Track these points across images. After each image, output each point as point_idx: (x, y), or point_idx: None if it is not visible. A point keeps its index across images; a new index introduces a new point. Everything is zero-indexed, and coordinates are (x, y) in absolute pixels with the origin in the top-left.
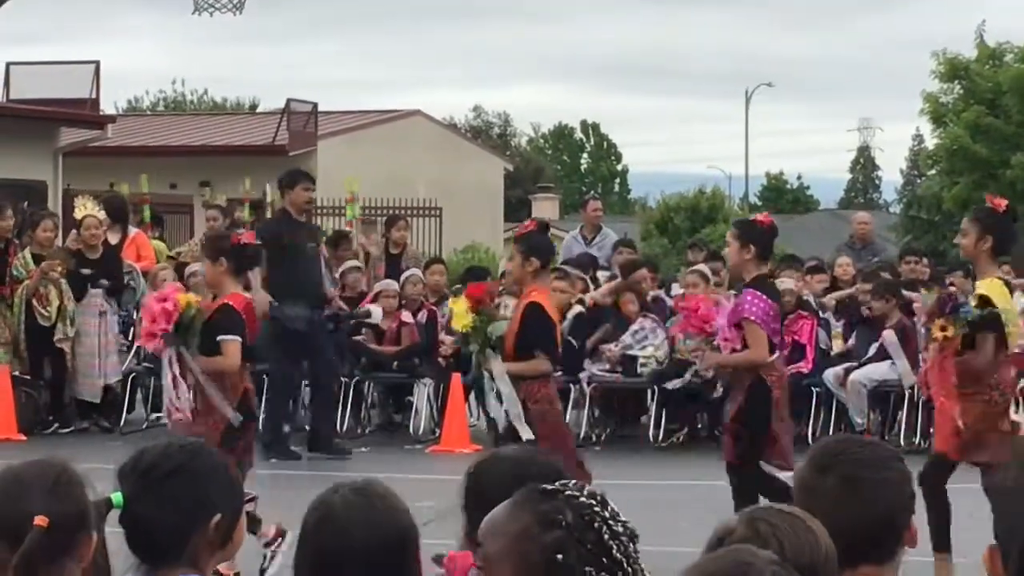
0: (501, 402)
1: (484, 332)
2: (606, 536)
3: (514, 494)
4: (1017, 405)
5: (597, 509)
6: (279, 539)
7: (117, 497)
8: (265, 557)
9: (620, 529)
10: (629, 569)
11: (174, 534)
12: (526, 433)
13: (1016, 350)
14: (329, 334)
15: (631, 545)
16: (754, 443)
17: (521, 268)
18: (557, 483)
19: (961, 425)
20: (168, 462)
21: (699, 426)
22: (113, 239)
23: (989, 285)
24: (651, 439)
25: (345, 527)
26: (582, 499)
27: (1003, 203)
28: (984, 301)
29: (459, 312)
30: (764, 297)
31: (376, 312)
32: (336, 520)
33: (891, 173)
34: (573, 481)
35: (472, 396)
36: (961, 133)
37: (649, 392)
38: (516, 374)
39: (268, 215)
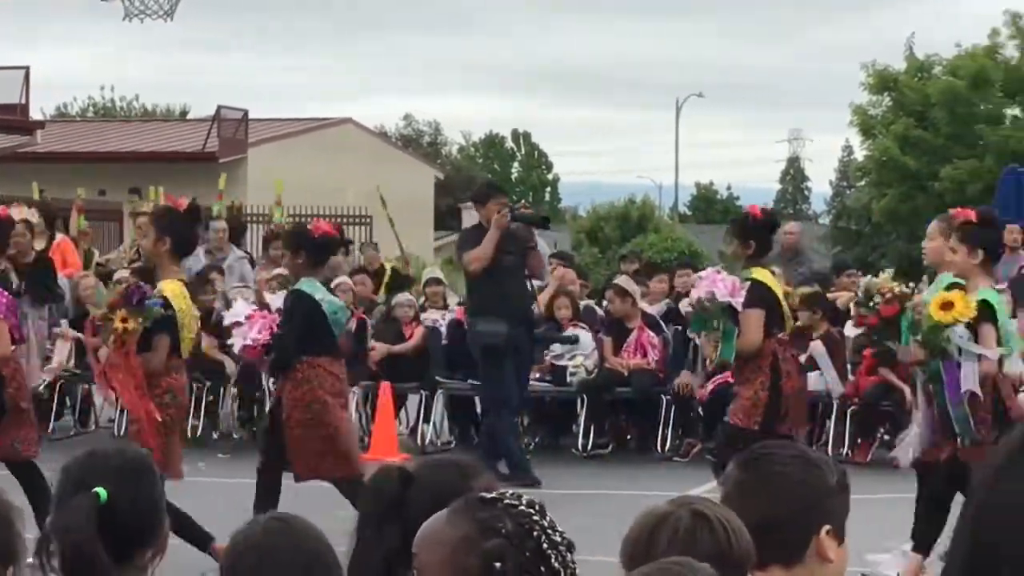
0: None
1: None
2: (544, 545)
3: (451, 504)
4: None
5: (536, 518)
6: None
7: (103, 492)
8: None
9: (558, 538)
10: None
11: (145, 532)
12: None
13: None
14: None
15: (568, 555)
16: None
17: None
18: (496, 492)
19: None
20: (143, 463)
21: (628, 436)
22: (39, 245)
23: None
24: (580, 448)
25: (268, 554)
26: (521, 508)
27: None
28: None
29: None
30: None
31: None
32: (259, 548)
33: (820, 184)
34: (512, 491)
35: (406, 404)
36: (890, 145)
37: (579, 401)
38: None
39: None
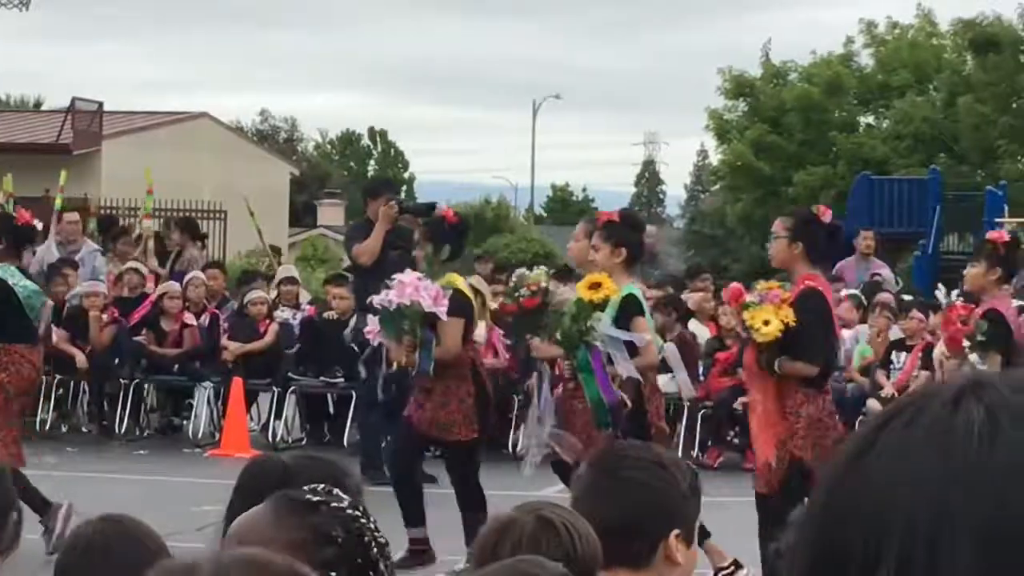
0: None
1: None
2: (374, 550)
3: (268, 499)
4: None
5: (364, 522)
6: None
7: None
8: None
9: (383, 540)
10: None
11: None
12: None
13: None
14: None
15: (390, 559)
16: None
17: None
18: (320, 491)
19: None
20: None
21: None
22: None
23: None
24: None
25: (101, 553)
26: (349, 511)
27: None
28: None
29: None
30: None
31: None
32: (92, 547)
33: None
34: (331, 489)
35: (258, 400)
36: (745, 150)
37: None
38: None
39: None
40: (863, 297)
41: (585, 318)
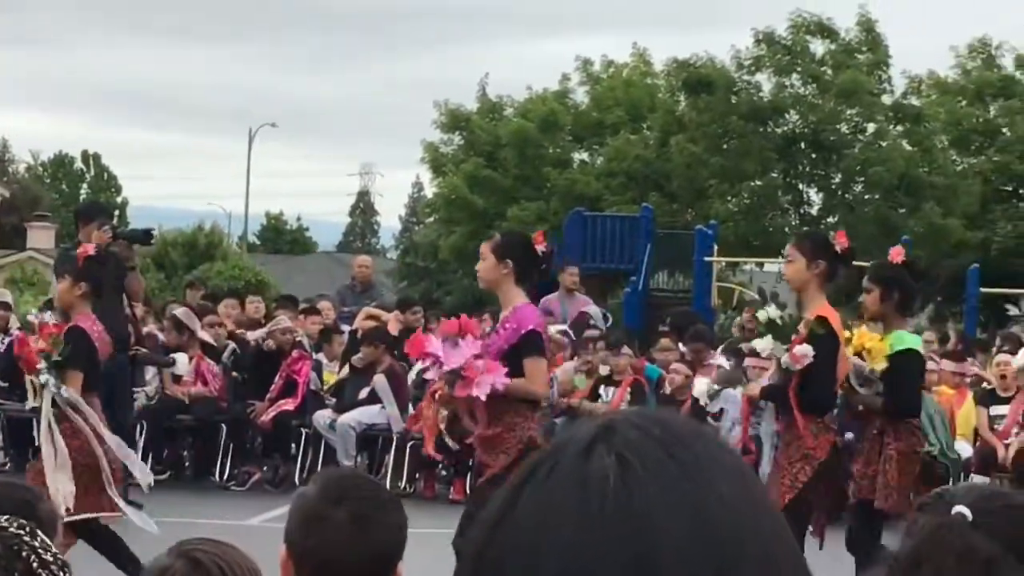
0: None
1: None
2: (35, 565)
3: None
4: None
5: (26, 539)
6: None
7: None
8: None
9: (49, 558)
10: None
11: None
12: None
13: None
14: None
15: (62, 574)
16: None
17: None
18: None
19: None
20: None
21: (186, 465)
22: None
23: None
24: None
25: None
26: (11, 530)
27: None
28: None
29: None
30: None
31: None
32: None
33: (390, 219)
34: (6, 517)
35: None
36: (460, 183)
37: (138, 427)
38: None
39: None
40: (571, 332)
41: None
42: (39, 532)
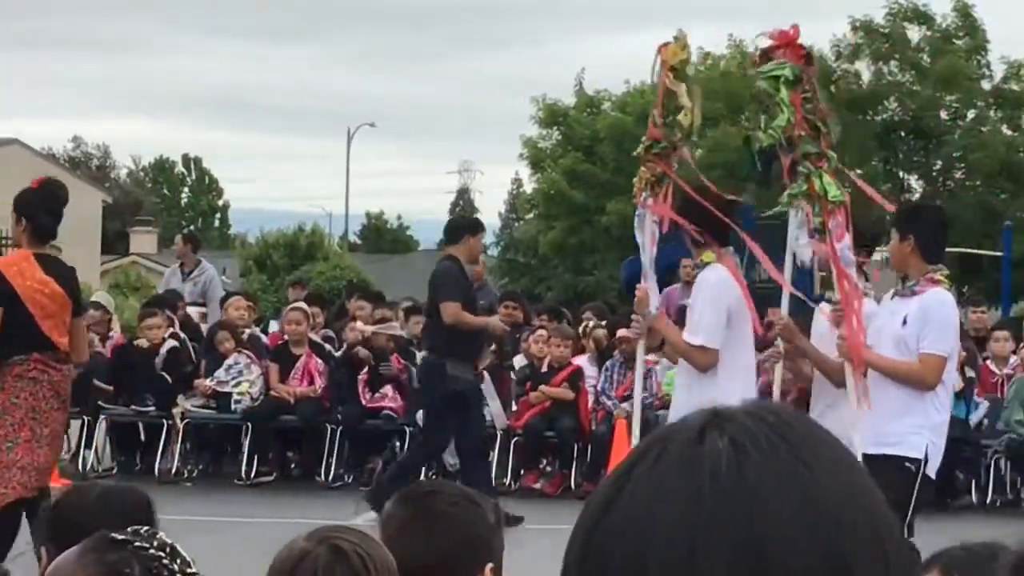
0: None
1: None
2: None
3: (84, 540)
4: None
5: (166, 562)
6: None
7: None
8: None
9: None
10: None
11: None
12: None
13: None
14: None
15: None
16: None
17: None
18: (129, 530)
19: None
20: None
21: (292, 466)
22: None
23: None
24: (243, 476)
25: None
26: (151, 551)
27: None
28: None
29: None
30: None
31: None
32: None
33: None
34: (146, 528)
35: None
36: (558, 178)
37: (243, 428)
38: None
39: None
40: None
41: None
42: (179, 549)
